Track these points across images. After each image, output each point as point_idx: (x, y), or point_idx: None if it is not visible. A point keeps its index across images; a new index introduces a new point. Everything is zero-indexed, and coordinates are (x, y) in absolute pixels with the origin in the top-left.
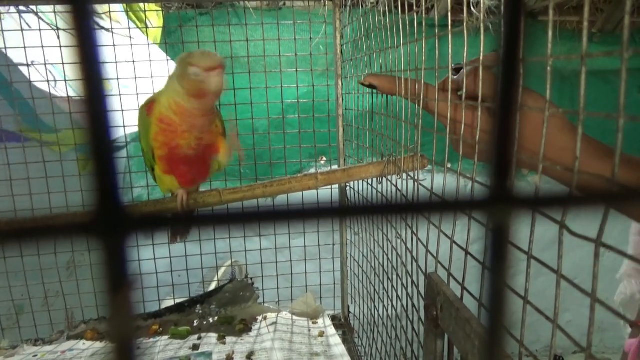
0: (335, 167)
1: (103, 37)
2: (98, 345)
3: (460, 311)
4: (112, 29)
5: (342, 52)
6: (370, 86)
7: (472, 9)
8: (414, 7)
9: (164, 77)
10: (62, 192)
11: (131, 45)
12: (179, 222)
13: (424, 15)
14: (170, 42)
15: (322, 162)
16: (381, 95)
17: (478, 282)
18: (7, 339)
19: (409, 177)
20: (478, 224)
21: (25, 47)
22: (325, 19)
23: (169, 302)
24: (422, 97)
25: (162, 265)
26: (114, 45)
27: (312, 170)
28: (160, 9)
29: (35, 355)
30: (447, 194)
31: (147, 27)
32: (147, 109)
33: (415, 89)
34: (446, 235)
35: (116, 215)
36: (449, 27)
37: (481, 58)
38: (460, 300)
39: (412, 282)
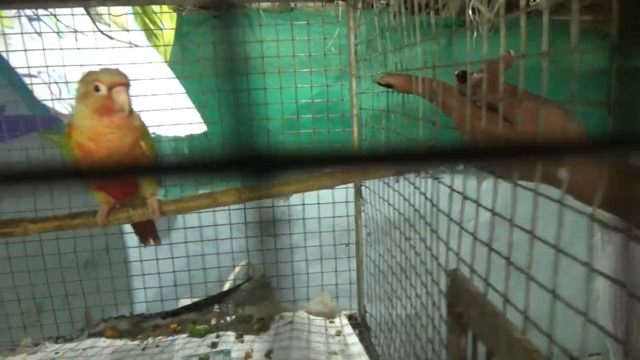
0: None
1: (104, 42)
2: (118, 343)
3: (486, 307)
4: (110, 30)
5: (356, 52)
6: (387, 85)
7: (484, 9)
8: (425, 8)
9: (166, 79)
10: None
11: (130, 47)
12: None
13: (434, 15)
14: (185, 43)
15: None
16: (397, 93)
17: (501, 280)
18: (29, 337)
19: (428, 176)
20: (501, 219)
21: (44, 50)
22: (339, 19)
23: (186, 301)
24: (438, 96)
25: (178, 264)
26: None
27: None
28: (174, 10)
29: (57, 353)
30: (467, 192)
31: (160, 29)
32: (68, 131)
33: (431, 88)
34: (467, 232)
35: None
36: (465, 26)
37: (501, 52)
38: (485, 297)
39: (432, 280)
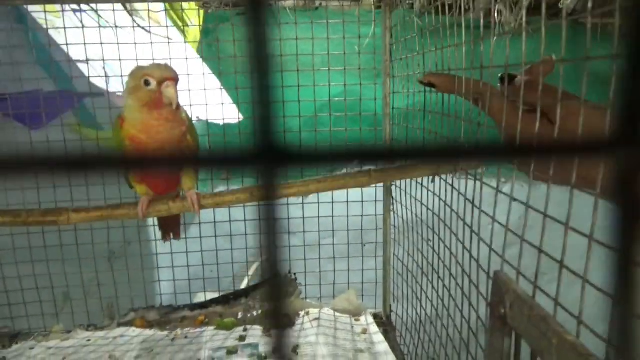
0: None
1: (141, 36)
2: (147, 332)
3: (534, 309)
4: (149, 26)
5: (390, 52)
6: (429, 85)
7: (512, 9)
8: (449, 10)
9: (199, 75)
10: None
11: (168, 43)
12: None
13: (459, 16)
14: (207, 41)
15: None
16: (435, 93)
17: (550, 283)
18: (61, 324)
19: (469, 177)
20: (555, 221)
21: (85, 44)
22: (373, 18)
23: (212, 295)
24: (484, 97)
25: (204, 258)
26: (152, 43)
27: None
28: (199, 7)
29: (89, 340)
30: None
31: (187, 26)
32: (121, 123)
33: (477, 89)
34: (515, 234)
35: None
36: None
37: (542, 54)
38: (533, 299)
39: (471, 281)
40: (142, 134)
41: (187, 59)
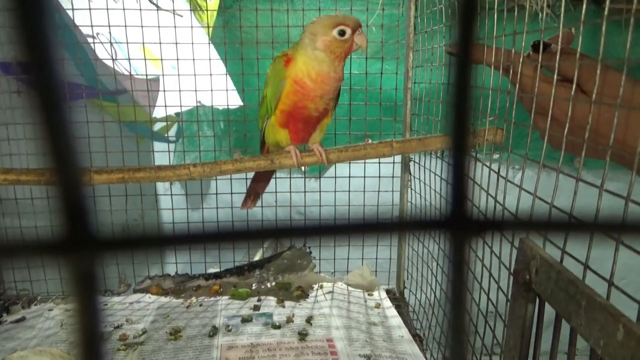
0: None
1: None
2: (163, 299)
3: (562, 273)
4: (174, 10)
5: (415, 25)
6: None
7: None
8: None
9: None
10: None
11: (174, 14)
12: (146, 245)
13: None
14: (228, 19)
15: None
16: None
17: (578, 250)
18: None
19: (480, 162)
20: (588, 184)
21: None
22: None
23: (227, 265)
24: (515, 64)
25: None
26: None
27: None
28: None
29: (106, 304)
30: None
31: (206, 2)
32: (286, 61)
33: (508, 57)
34: (543, 200)
35: (85, 237)
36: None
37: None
38: (560, 263)
39: (492, 252)
40: (311, 82)
41: (202, 27)
